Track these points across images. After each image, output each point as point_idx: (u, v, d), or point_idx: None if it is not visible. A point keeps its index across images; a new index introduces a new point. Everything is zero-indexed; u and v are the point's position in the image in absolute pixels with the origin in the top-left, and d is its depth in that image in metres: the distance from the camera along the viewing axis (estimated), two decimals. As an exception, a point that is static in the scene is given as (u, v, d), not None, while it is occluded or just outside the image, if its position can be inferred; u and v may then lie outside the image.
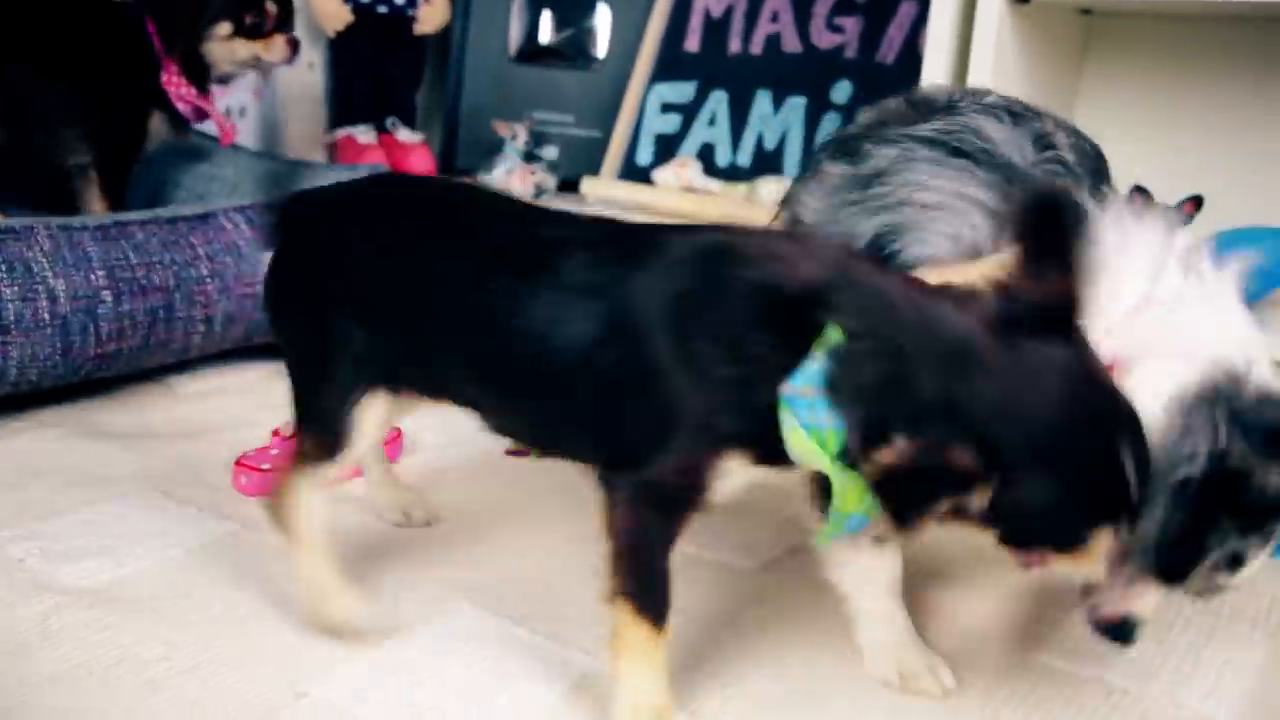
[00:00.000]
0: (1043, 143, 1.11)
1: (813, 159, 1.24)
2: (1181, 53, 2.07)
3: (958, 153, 1.09)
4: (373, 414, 1.03)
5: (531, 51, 2.84)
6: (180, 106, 2.10)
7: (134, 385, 1.74)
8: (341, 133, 2.91)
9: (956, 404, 0.77)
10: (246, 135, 2.93)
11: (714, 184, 2.45)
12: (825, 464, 0.83)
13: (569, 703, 0.99)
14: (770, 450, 0.85)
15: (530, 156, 2.79)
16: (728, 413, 0.85)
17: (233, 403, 1.72)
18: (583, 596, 1.09)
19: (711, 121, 2.55)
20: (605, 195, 2.59)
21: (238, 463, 1.41)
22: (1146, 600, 0.99)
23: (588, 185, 2.63)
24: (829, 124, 2.38)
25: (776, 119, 2.46)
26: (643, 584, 0.90)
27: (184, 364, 1.81)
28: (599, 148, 2.69)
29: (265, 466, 1.40)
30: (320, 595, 1.06)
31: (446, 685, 1.01)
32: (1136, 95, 2.10)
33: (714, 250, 0.89)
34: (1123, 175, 1.27)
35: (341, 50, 2.82)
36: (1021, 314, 0.80)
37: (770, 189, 2.35)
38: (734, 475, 0.88)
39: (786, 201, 1.25)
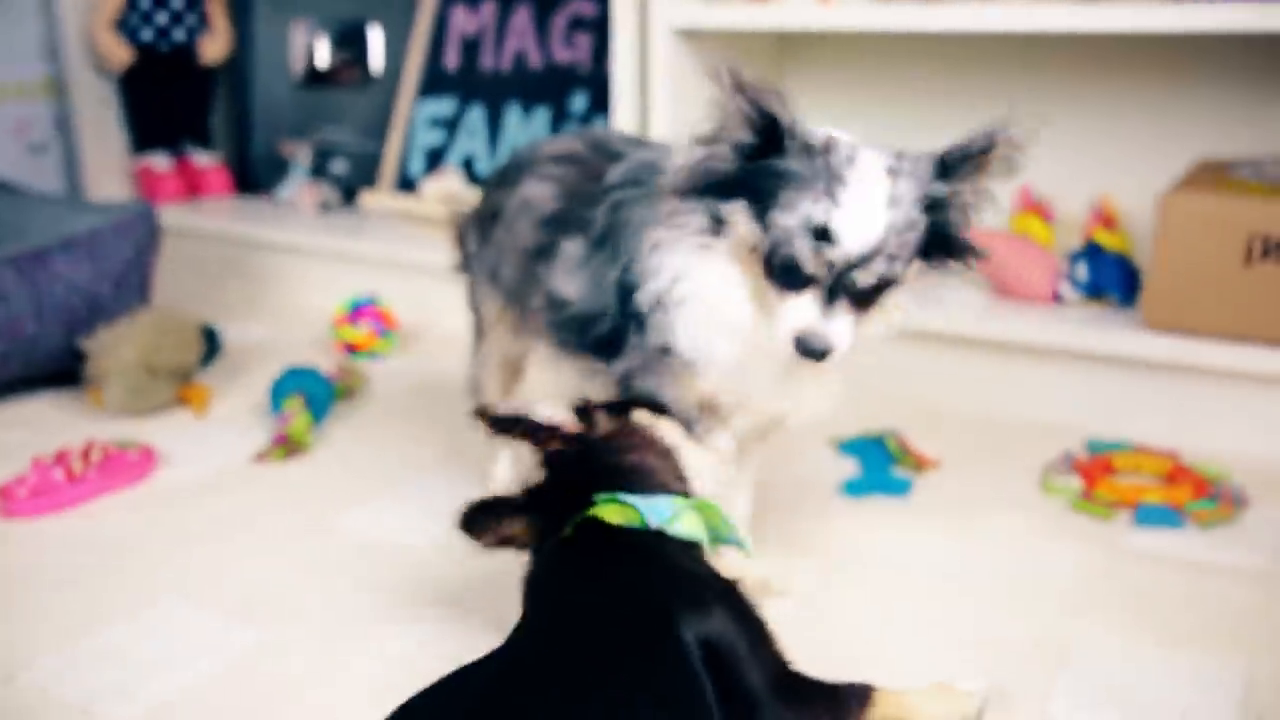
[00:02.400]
0: None
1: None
2: (871, 68, 2.37)
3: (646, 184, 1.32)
4: None
5: (313, 74, 3.05)
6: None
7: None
8: (139, 162, 3.09)
9: None
10: (49, 170, 3.09)
11: (472, 191, 2.70)
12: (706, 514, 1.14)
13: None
14: None
15: (319, 171, 3.02)
16: None
17: (5, 437, 1.93)
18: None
19: (472, 133, 2.80)
20: (381, 206, 2.83)
21: (-2, 491, 1.64)
22: (800, 311, 1.12)
23: (366, 198, 2.86)
24: (568, 130, 2.64)
25: (526, 128, 2.72)
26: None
27: (-31, 401, 2.03)
28: (380, 161, 2.92)
29: (22, 494, 1.64)
30: None
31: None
32: (833, 110, 2.40)
33: None
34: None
35: (132, 83, 2.99)
36: None
37: (519, 195, 2.62)
38: None
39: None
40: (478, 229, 1.55)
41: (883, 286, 1.13)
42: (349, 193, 2.96)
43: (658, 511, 1.08)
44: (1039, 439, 1.86)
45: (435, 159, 2.84)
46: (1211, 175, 1.92)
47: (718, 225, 1.15)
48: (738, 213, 1.13)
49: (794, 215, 1.09)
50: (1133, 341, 1.88)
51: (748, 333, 1.19)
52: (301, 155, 2.99)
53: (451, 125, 2.83)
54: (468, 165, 2.79)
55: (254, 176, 3.16)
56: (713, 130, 1.13)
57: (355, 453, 1.86)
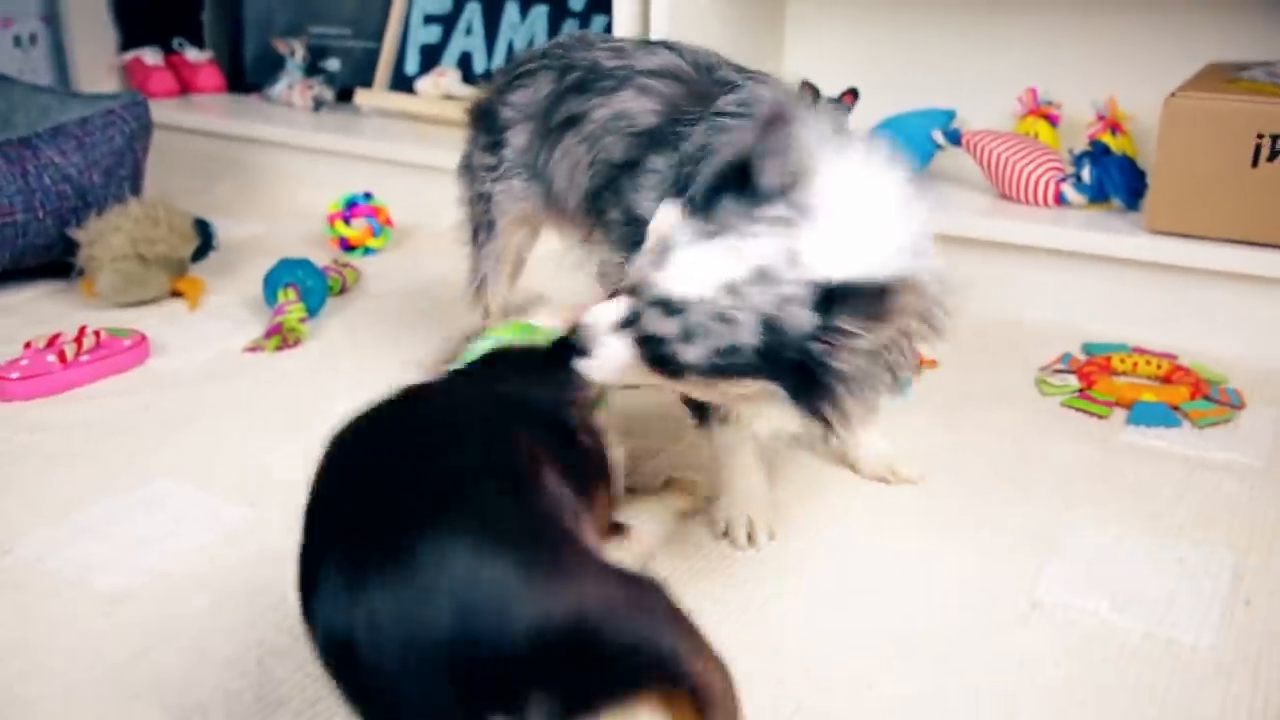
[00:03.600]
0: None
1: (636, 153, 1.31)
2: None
3: None
4: None
5: (306, -33, 2.98)
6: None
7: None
8: (129, 55, 3.03)
9: None
10: (37, 62, 3.03)
11: (470, 90, 2.65)
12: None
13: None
14: None
15: (313, 70, 2.96)
16: None
17: (3, 321, 1.92)
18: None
19: (468, 31, 2.74)
20: (377, 105, 2.79)
21: (-12, 373, 1.64)
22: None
23: (361, 96, 2.81)
24: (568, 28, 2.59)
25: (524, 26, 2.66)
26: None
27: (-42, 289, 2.01)
28: (376, 59, 2.87)
29: (14, 375, 1.63)
30: None
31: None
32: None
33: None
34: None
35: (122, -26, 2.92)
36: None
37: (516, 94, 2.57)
38: None
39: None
40: (534, 129, 1.47)
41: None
42: (344, 92, 2.90)
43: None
44: (1037, 341, 1.85)
45: (431, 57, 2.78)
46: (1220, 76, 1.88)
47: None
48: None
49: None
50: (1134, 244, 1.86)
51: None
52: (295, 53, 2.92)
53: (448, 23, 2.77)
54: (464, 64, 2.74)
55: (246, 74, 3.10)
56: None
57: (349, 345, 1.85)
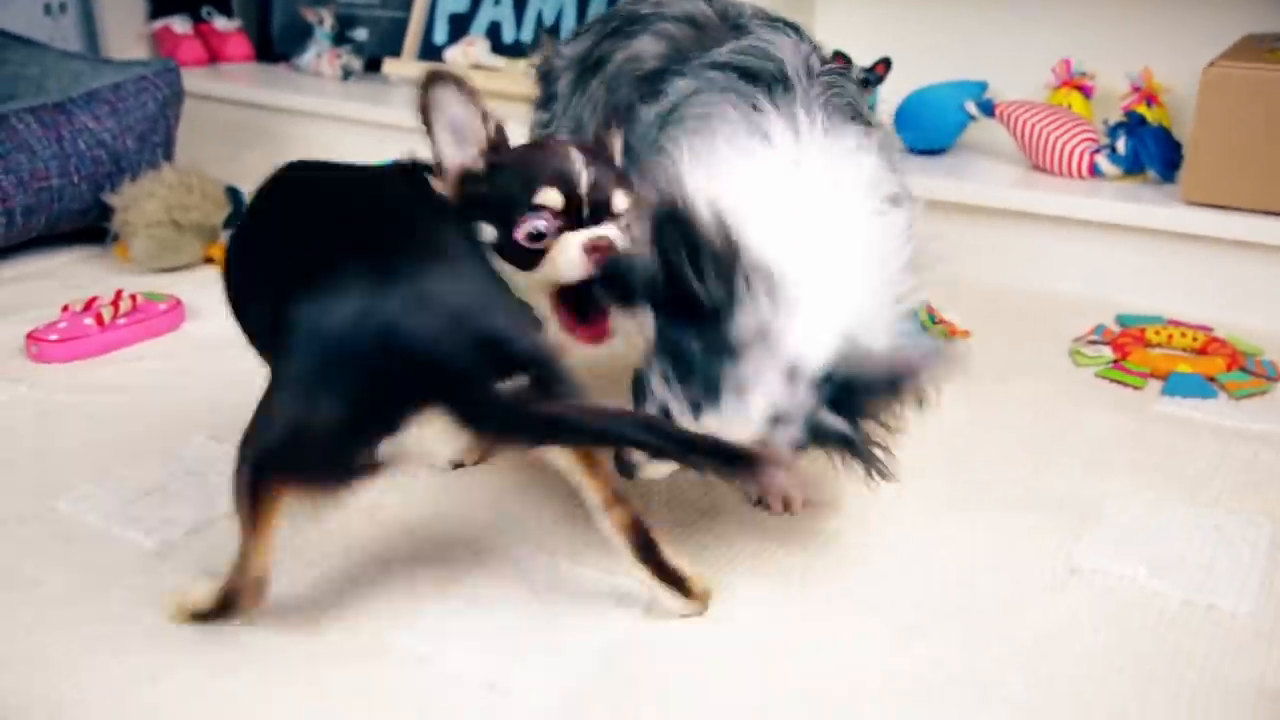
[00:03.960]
0: (817, 54, 1.24)
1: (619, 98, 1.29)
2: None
3: (748, 75, 1.17)
4: None
5: (336, -64, 2.97)
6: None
7: (-53, 275, 1.96)
8: (159, 24, 3.04)
9: None
10: (67, 30, 3.04)
11: (499, 60, 2.65)
12: None
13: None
14: None
15: (341, 39, 2.96)
16: None
17: (39, 285, 1.94)
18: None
19: (497, 1, 2.73)
20: (405, 75, 2.78)
21: (29, 336, 1.65)
22: None
23: (389, 66, 2.81)
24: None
25: (554, -4, 2.65)
26: None
27: (-6, 253, 2.03)
28: (404, 28, 2.86)
29: (53, 338, 1.64)
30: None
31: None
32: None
33: None
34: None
35: (150, -57, 2.93)
36: None
37: (545, 63, 2.56)
38: None
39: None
40: (574, 79, 1.45)
41: None
42: (372, 61, 2.90)
43: None
44: (1071, 313, 1.84)
45: (460, 26, 2.78)
46: (1258, 47, 1.86)
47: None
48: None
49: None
50: (1169, 215, 1.85)
51: None
52: (323, 22, 2.92)
53: (477, -9, 2.76)
54: (493, 33, 2.73)
55: (274, 43, 3.10)
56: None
57: (382, 310, 1.86)
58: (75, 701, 0.96)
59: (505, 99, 2.57)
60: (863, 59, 2.13)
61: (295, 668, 1.01)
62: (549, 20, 2.66)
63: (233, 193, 2.22)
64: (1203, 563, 1.18)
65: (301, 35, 3.01)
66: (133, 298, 1.74)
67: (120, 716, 0.95)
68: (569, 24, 2.63)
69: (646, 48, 1.31)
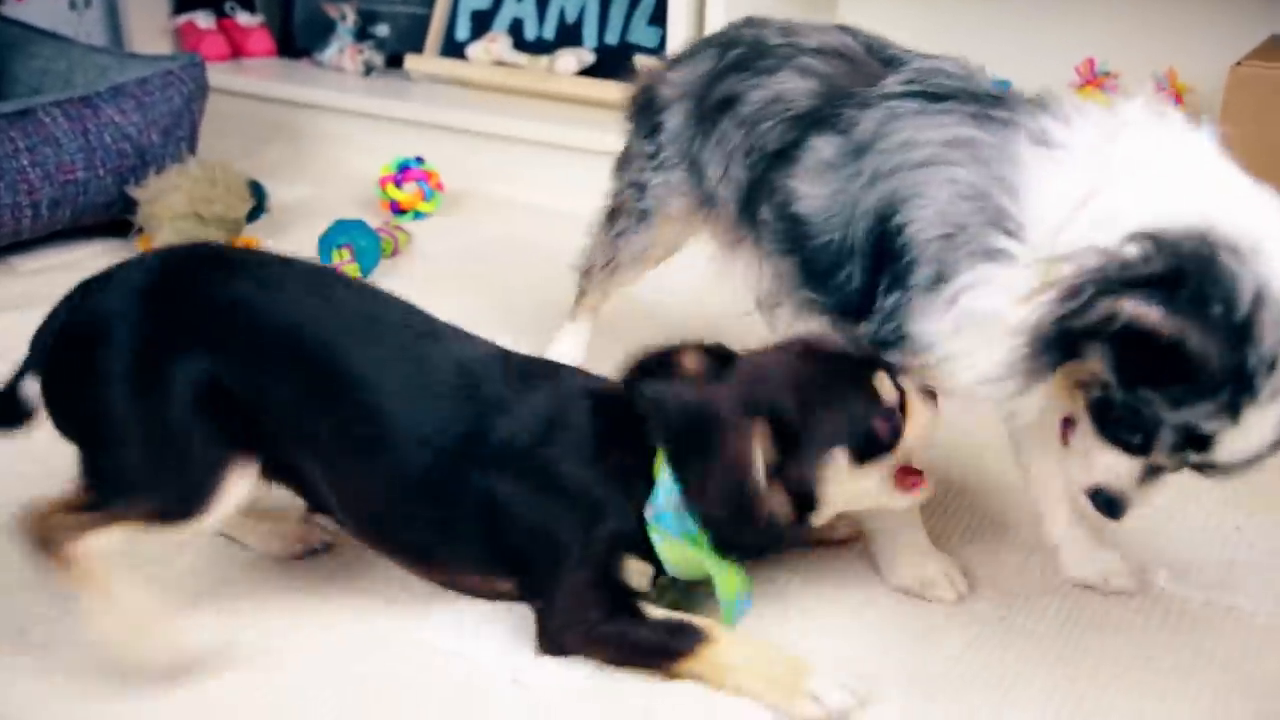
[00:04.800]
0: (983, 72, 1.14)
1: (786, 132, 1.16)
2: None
3: (936, 97, 1.06)
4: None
5: (358, -67, 2.99)
6: None
7: (-23, 266, 1.98)
8: (183, 19, 3.05)
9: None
10: (92, 25, 3.06)
11: (521, 57, 2.66)
12: (706, 562, 0.99)
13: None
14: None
15: (363, 35, 2.97)
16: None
17: (63, 277, 1.95)
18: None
19: (520, -3, 2.74)
20: (427, 71, 2.80)
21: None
22: (1116, 471, 0.94)
23: (411, 62, 2.82)
24: (621, -4, 2.59)
25: (576, -8, 2.66)
26: (623, 649, 1.00)
27: (22, 245, 2.04)
28: (426, 24, 2.87)
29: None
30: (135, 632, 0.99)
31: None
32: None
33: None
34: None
35: (175, -61, 2.94)
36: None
37: (567, 61, 2.57)
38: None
39: (765, 185, 1.16)
40: (690, 110, 1.31)
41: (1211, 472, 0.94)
42: (394, 57, 2.91)
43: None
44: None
45: (482, 23, 2.78)
46: (1278, 49, 1.85)
47: (1059, 357, 0.90)
48: (1094, 352, 0.88)
49: (1177, 412, 0.86)
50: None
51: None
52: (345, 17, 2.94)
53: (499, -12, 2.77)
54: (515, 30, 2.74)
55: (297, 38, 3.12)
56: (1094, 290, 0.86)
57: (403, 305, 1.87)
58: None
59: (527, 95, 2.59)
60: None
61: (328, 666, 1.02)
62: (571, 18, 2.66)
63: (255, 186, 2.24)
64: (1223, 564, 1.18)
65: (323, 31, 3.02)
66: (157, 290, 1.75)
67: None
68: (590, 22, 2.64)
69: (793, 85, 1.17)
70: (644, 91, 1.40)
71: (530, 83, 2.59)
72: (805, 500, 1.00)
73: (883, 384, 1.01)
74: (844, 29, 1.23)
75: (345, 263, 1.89)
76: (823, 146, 1.10)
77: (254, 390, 1.00)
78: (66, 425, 1.02)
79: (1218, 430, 0.86)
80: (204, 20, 3.04)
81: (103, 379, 0.99)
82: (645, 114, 1.39)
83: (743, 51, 1.26)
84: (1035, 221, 0.93)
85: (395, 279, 1.99)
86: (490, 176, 2.44)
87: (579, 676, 1.00)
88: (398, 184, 2.30)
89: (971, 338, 0.96)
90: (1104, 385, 0.89)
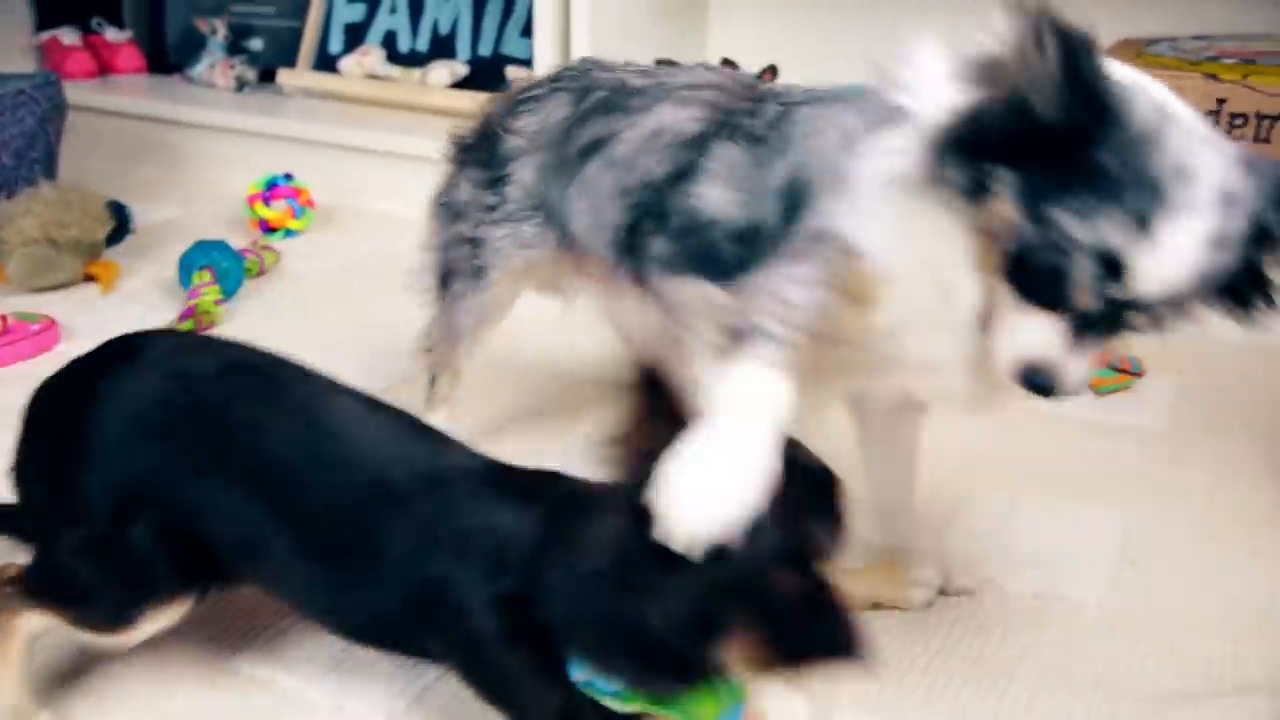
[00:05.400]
0: None
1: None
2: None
3: (823, 99, 1.05)
4: None
5: (228, -55, 2.94)
6: None
7: None
8: (46, 35, 2.97)
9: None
10: (-51, 44, 2.97)
11: (395, 70, 2.64)
12: (667, 712, 0.90)
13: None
14: None
15: (236, 49, 2.92)
16: None
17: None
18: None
19: (393, 9, 2.71)
20: (300, 85, 2.76)
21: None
22: (1043, 337, 0.87)
23: (284, 76, 2.78)
24: (494, 6, 2.58)
25: (448, 4, 2.64)
26: None
27: None
28: (300, 38, 2.83)
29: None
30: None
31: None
32: None
33: None
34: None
35: (36, -47, 2.86)
36: None
37: (440, 74, 2.56)
38: None
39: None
40: (546, 161, 1.23)
41: (1154, 325, 0.88)
42: (268, 72, 2.87)
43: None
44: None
45: (355, 36, 2.76)
46: (1129, 51, 1.92)
47: (976, 191, 0.85)
48: (1004, 185, 0.83)
49: (1084, 228, 0.81)
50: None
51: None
52: (217, 32, 2.89)
53: (372, 0, 2.74)
54: (389, 42, 2.72)
55: (169, 54, 3.05)
56: (997, 75, 0.82)
57: (264, 328, 1.83)
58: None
59: (400, 108, 2.57)
60: (750, 65, 2.16)
61: (138, 697, 1.00)
62: (444, 30, 2.65)
63: (117, 207, 2.18)
64: (1055, 558, 1.21)
65: (195, 46, 2.96)
66: (3, 318, 1.70)
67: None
68: (463, 34, 2.63)
69: (674, 115, 1.12)
70: (484, 139, 1.30)
71: (403, 96, 2.57)
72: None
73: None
74: (707, 67, 1.21)
75: (206, 285, 1.86)
76: (727, 153, 1.06)
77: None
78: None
79: (1131, 247, 0.81)
80: (69, 36, 2.97)
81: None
82: (486, 165, 1.29)
83: (605, 95, 1.19)
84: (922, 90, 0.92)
85: (260, 300, 1.96)
86: (363, 192, 2.42)
87: (399, 708, 0.99)
88: (266, 202, 2.26)
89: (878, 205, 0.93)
90: (1015, 232, 0.85)
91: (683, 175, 1.08)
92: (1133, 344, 1.71)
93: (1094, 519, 1.29)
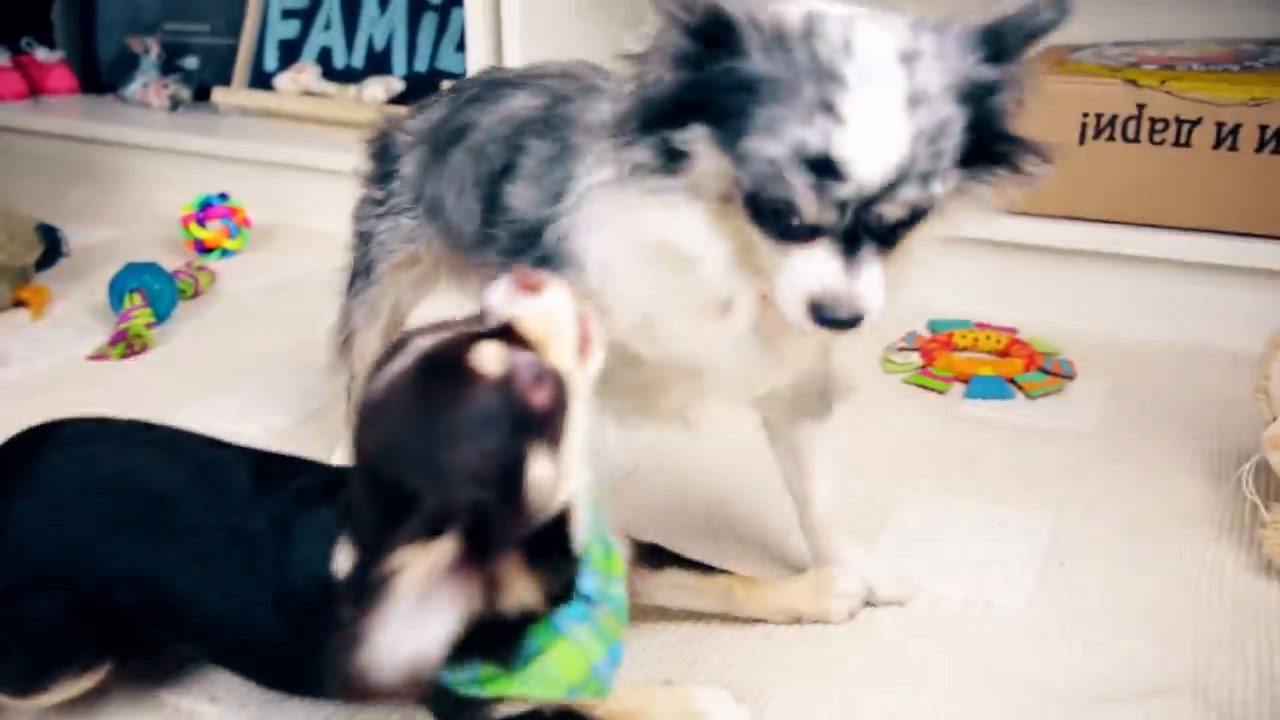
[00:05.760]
0: None
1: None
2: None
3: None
4: None
5: (160, -36, 2.91)
6: None
7: None
8: (-26, 58, 2.93)
9: None
10: (-125, 66, 2.91)
11: (330, 87, 2.63)
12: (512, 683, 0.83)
13: None
14: None
15: (170, 68, 2.89)
16: None
17: None
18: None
19: (327, 25, 2.70)
20: (235, 103, 2.73)
21: None
22: (813, 269, 0.82)
23: (219, 94, 2.76)
24: (429, 22, 2.57)
25: (383, 20, 2.63)
26: None
27: None
28: (234, 56, 2.81)
29: None
30: None
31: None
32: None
33: None
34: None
35: (-38, -27, 2.82)
36: None
37: (376, 90, 2.55)
38: None
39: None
40: (425, 153, 1.24)
41: (917, 216, 0.82)
42: (204, 90, 2.84)
43: None
44: (886, 320, 1.89)
45: (291, 53, 2.74)
46: (1053, 58, 1.95)
47: (673, 162, 0.83)
48: (698, 142, 0.81)
49: (778, 141, 0.77)
50: (975, 222, 1.91)
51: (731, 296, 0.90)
52: (150, 51, 2.85)
53: (307, 17, 2.73)
54: (324, 59, 2.70)
55: (102, 74, 3.02)
56: (648, 42, 0.83)
57: (198, 349, 1.82)
58: None
59: (337, 125, 2.55)
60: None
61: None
62: (380, 46, 2.64)
63: (48, 231, 2.15)
64: (983, 561, 1.23)
65: (130, 65, 2.93)
66: (-72, 347, 1.67)
67: None
68: (399, 49, 2.62)
69: (520, 101, 1.13)
70: (379, 139, 1.32)
71: (339, 112, 2.56)
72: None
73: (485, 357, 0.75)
74: (592, 67, 1.19)
75: (138, 308, 1.83)
76: (539, 148, 1.05)
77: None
78: None
79: (829, 137, 0.76)
80: (-1, 59, 2.93)
81: None
82: (379, 162, 1.31)
83: (476, 91, 1.22)
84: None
85: (195, 322, 1.94)
86: (300, 210, 2.40)
87: (322, 729, 0.98)
88: (200, 222, 2.24)
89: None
90: (734, 181, 0.81)
91: (509, 166, 1.07)
92: (1065, 348, 1.74)
93: (1023, 521, 1.30)
